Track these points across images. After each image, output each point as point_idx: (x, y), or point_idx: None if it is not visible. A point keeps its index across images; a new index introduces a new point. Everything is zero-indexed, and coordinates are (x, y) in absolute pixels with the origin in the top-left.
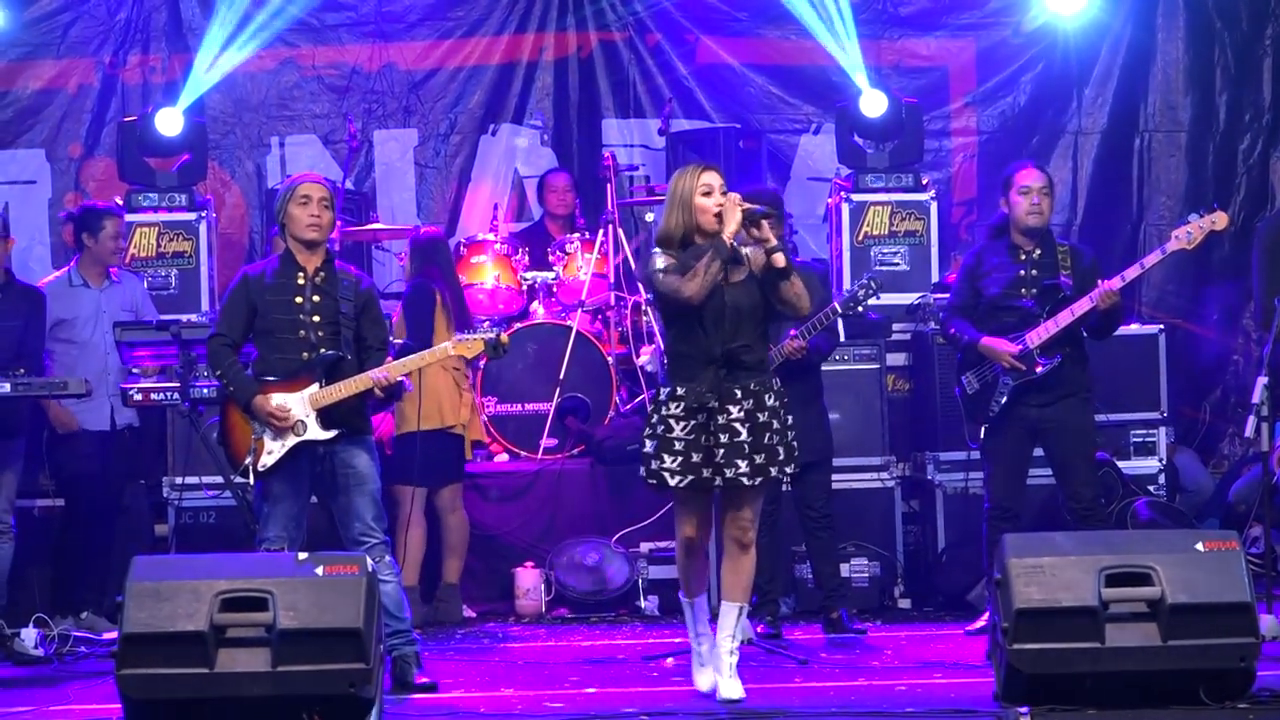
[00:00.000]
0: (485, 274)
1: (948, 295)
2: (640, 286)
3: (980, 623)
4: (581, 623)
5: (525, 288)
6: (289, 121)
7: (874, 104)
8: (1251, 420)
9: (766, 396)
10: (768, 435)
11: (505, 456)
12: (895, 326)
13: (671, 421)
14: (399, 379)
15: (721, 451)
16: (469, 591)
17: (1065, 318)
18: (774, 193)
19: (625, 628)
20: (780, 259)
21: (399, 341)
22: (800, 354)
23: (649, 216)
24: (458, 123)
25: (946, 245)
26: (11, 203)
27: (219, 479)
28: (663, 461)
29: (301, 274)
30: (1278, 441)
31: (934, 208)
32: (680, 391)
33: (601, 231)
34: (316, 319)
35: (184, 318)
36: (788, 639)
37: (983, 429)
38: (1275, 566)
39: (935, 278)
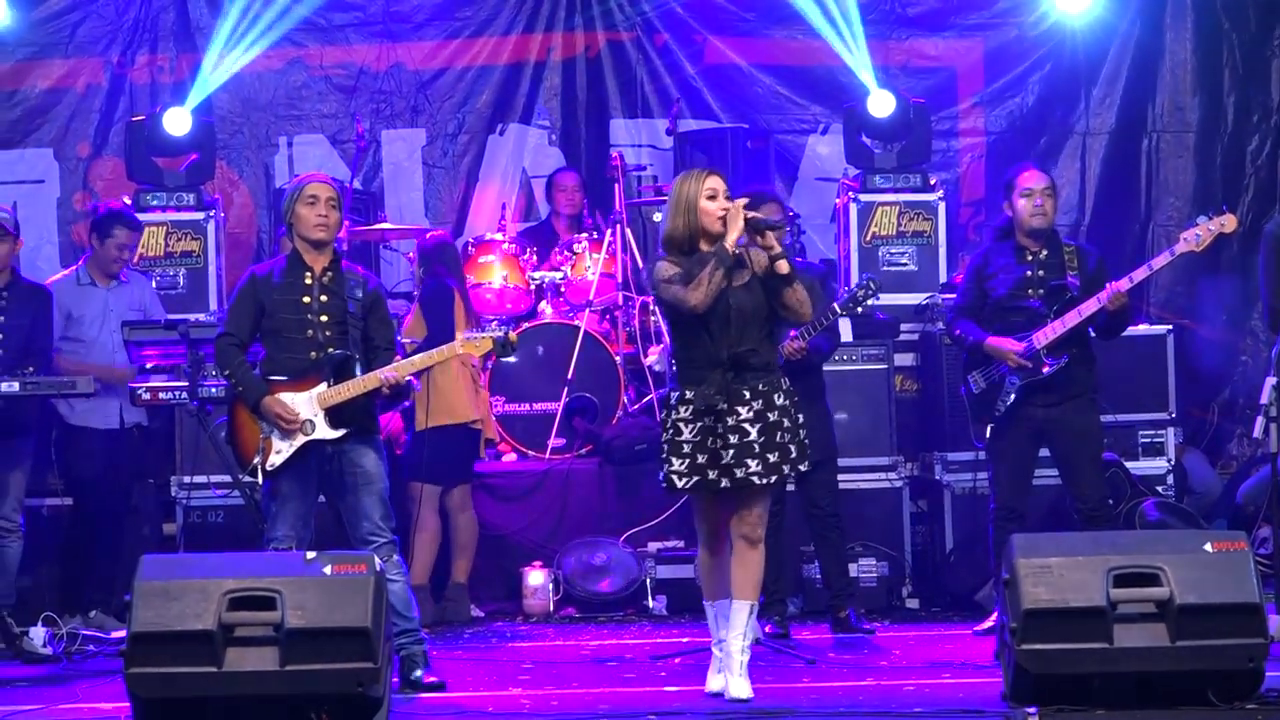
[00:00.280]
0: (493, 274)
1: (955, 296)
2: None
3: (988, 623)
4: (589, 622)
5: (533, 287)
6: (297, 121)
7: (882, 104)
8: (1260, 421)
9: (776, 396)
10: (779, 434)
11: (513, 456)
12: (903, 327)
13: (680, 425)
14: (407, 378)
15: (730, 453)
16: (477, 591)
17: (1072, 318)
18: (773, 195)
19: (633, 627)
20: (784, 266)
21: (409, 341)
22: (801, 355)
23: (656, 216)
24: (465, 122)
25: (954, 245)
26: (20, 202)
27: (227, 478)
28: (671, 464)
29: (309, 274)
30: None
31: (942, 208)
32: (689, 395)
33: (609, 231)
34: (324, 319)
35: (192, 317)
36: (795, 639)
37: (988, 429)
38: None
39: (943, 278)
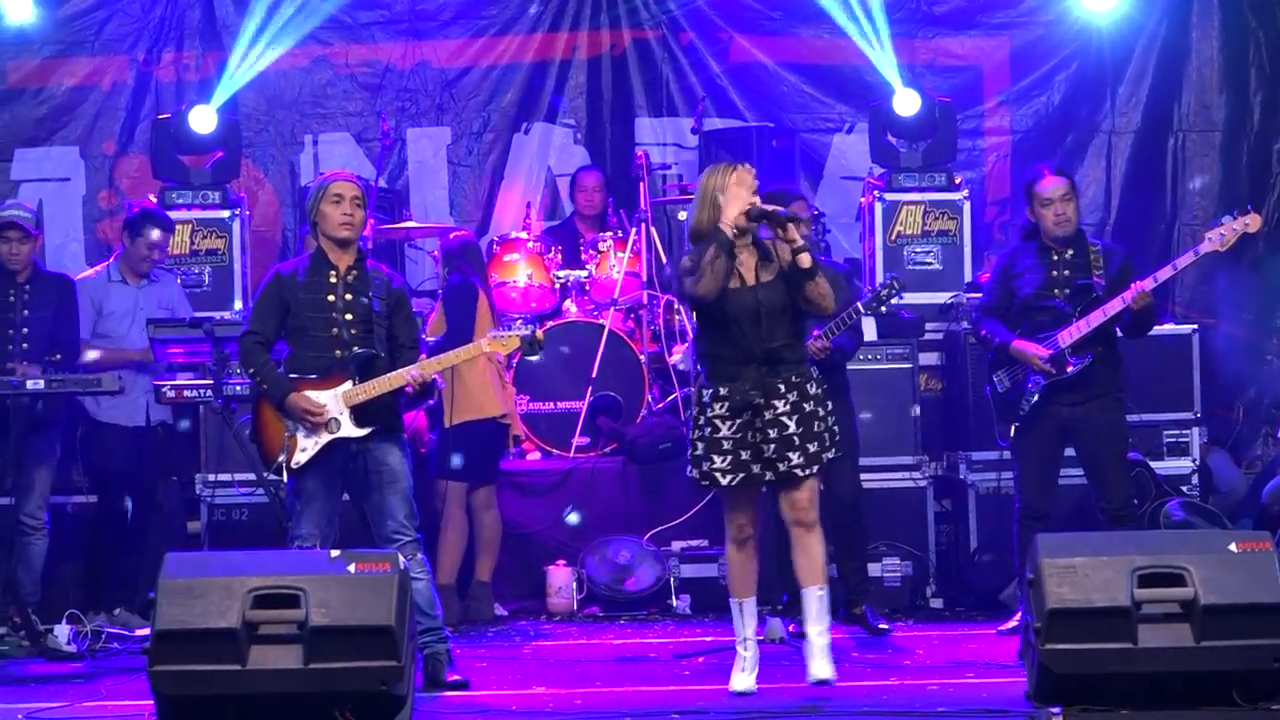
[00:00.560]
0: (518, 272)
1: (980, 295)
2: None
3: (1012, 623)
4: (613, 621)
5: (558, 286)
6: (322, 119)
7: (907, 103)
8: None
9: (809, 386)
10: (815, 423)
11: (538, 455)
12: (928, 326)
13: (718, 422)
14: (432, 377)
15: (772, 447)
16: (501, 590)
17: (1097, 318)
18: (798, 194)
19: (657, 626)
20: (805, 259)
21: (433, 339)
22: (824, 354)
23: (682, 215)
24: (491, 121)
25: (979, 245)
26: (45, 199)
27: (251, 476)
28: (713, 462)
29: (334, 272)
30: None
31: (967, 207)
32: (724, 391)
33: (634, 230)
34: (349, 317)
35: (217, 315)
36: None
37: (1013, 429)
38: None
39: (968, 277)
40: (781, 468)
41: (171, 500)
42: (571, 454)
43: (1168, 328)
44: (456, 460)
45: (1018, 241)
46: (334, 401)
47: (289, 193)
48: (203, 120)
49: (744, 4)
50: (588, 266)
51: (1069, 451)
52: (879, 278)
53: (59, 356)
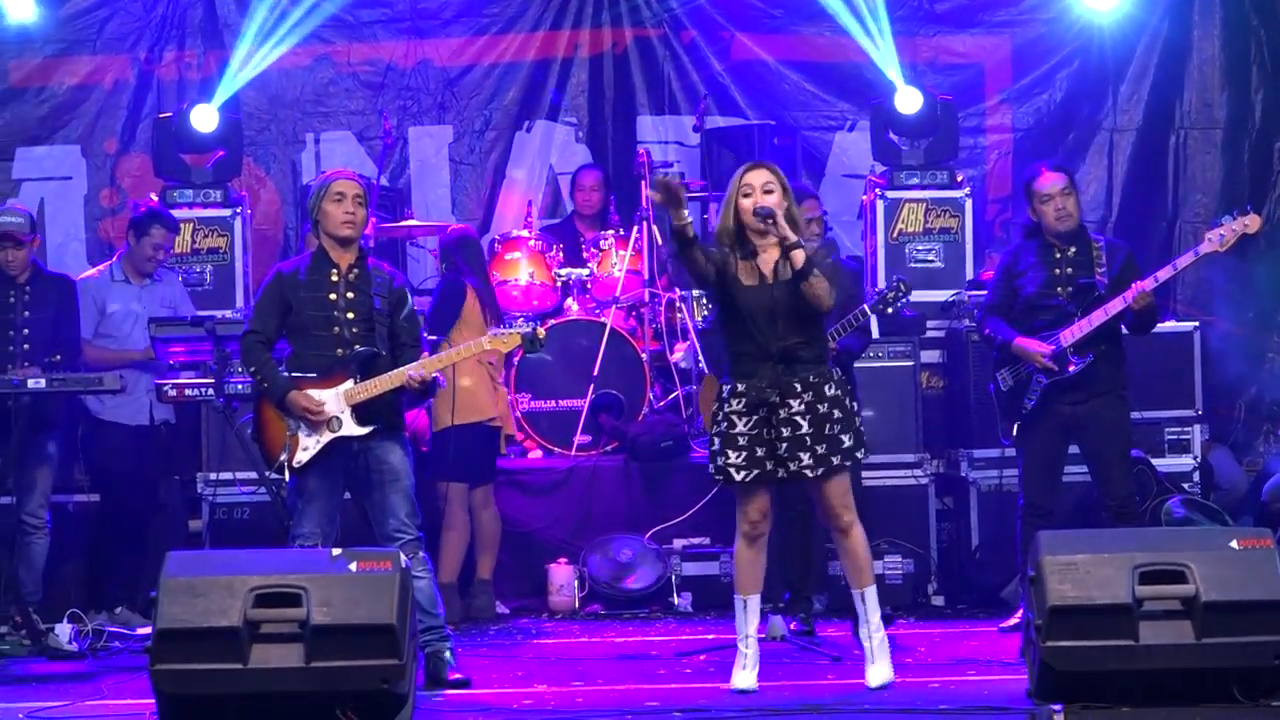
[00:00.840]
0: (520, 270)
1: (984, 293)
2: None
3: (1014, 620)
4: (614, 619)
5: (559, 284)
6: (324, 118)
7: (909, 101)
8: None
9: (827, 387)
10: (829, 425)
11: (539, 453)
12: (930, 323)
13: (734, 418)
14: (434, 375)
15: (784, 445)
16: (502, 588)
17: (1099, 317)
18: (810, 193)
19: (658, 624)
20: (797, 258)
21: (433, 337)
22: (832, 355)
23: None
24: (493, 119)
25: (981, 242)
26: (47, 198)
27: (253, 475)
28: (727, 457)
29: (335, 271)
30: None
31: (969, 205)
32: (741, 388)
33: (636, 228)
34: (350, 315)
35: (219, 314)
36: (820, 636)
37: (1016, 427)
38: None
39: (970, 275)
40: (792, 467)
41: (173, 499)
42: (573, 452)
43: (1169, 325)
44: (453, 461)
45: (1020, 240)
46: (335, 400)
47: (291, 191)
48: (204, 119)
49: (746, 2)
50: (589, 265)
51: (1072, 449)
52: (880, 276)
53: (59, 357)
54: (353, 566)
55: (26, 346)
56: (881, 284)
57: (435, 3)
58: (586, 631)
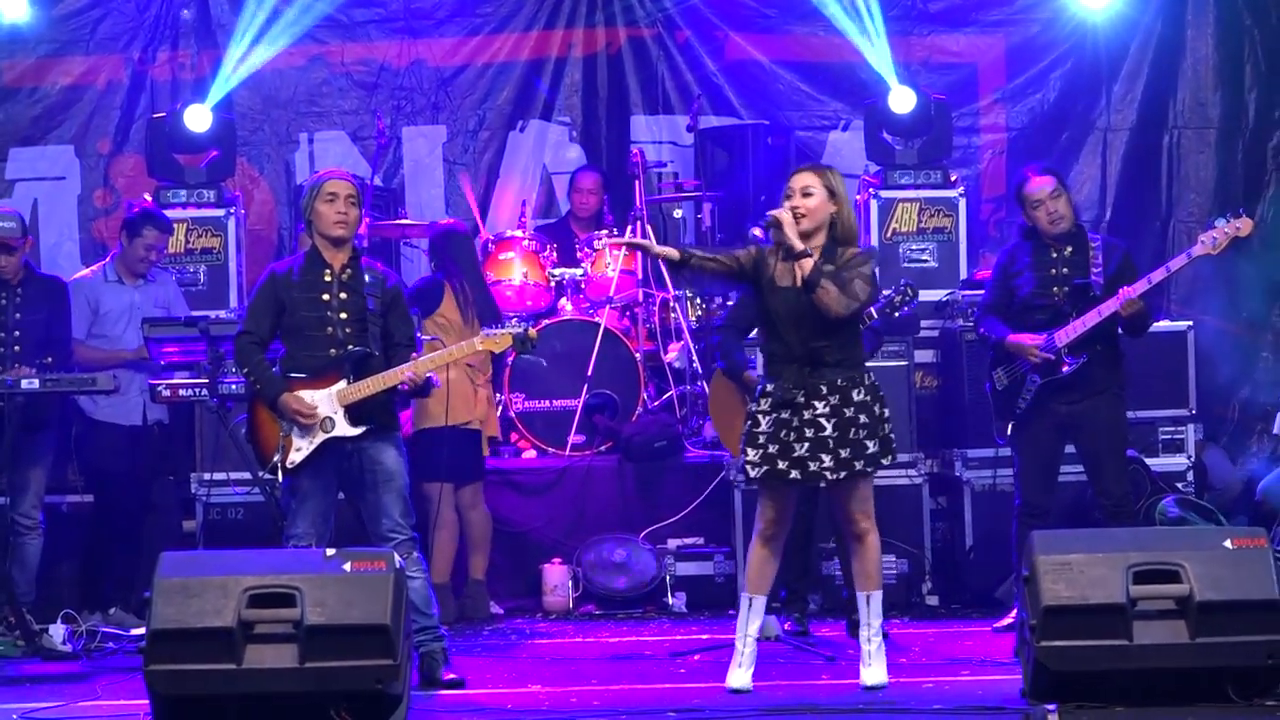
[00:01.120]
0: (513, 271)
1: (978, 292)
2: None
3: (1008, 620)
4: (609, 619)
5: (553, 284)
6: (318, 118)
7: (903, 100)
8: None
9: (855, 392)
10: (853, 430)
11: (533, 453)
12: (923, 323)
13: (759, 416)
14: (426, 374)
15: (805, 446)
16: (496, 588)
17: (1092, 318)
18: None
19: (652, 624)
20: (804, 266)
21: (427, 338)
22: None
23: (677, 213)
24: (486, 119)
25: (975, 242)
26: (40, 199)
27: (247, 475)
28: (746, 454)
29: (328, 271)
30: None
31: (962, 204)
32: (769, 388)
33: (630, 228)
34: (344, 316)
35: (212, 314)
36: (815, 635)
37: (1010, 426)
38: None
39: (963, 274)
40: (811, 467)
41: (167, 499)
42: (567, 452)
43: (1164, 325)
44: (434, 463)
45: (1018, 239)
46: (328, 401)
47: (284, 191)
48: (198, 119)
49: (739, 2)
50: (583, 265)
51: (1068, 449)
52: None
53: (50, 359)
54: (347, 567)
55: (18, 348)
56: (885, 292)
57: (429, 3)
58: (580, 631)
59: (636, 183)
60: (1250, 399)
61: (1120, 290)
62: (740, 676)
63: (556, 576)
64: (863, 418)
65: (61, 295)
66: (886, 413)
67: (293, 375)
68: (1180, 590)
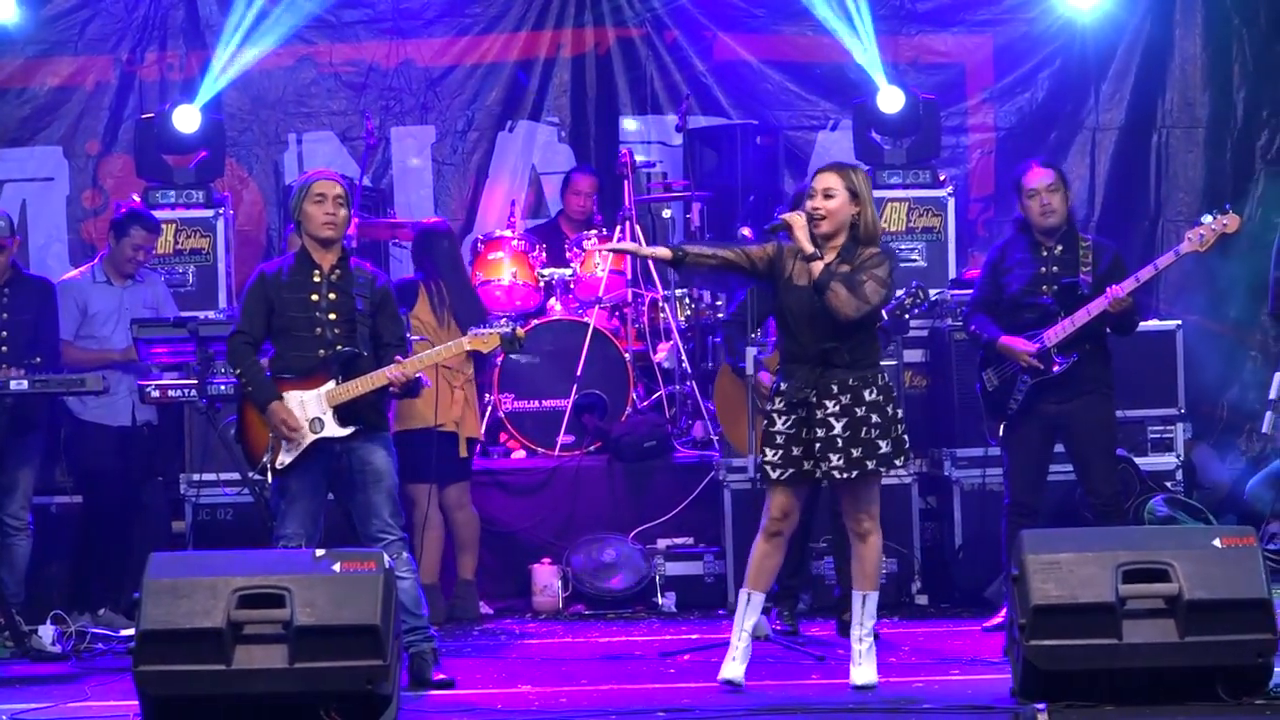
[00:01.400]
0: (502, 270)
1: (967, 292)
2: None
3: (997, 619)
4: (598, 619)
5: (542, 284)
6: (306, 118)
7: (891, 100)
8: (1269, 416)
9: (866, 391)
10: (865, 429)
11: (522, 453)
12: (912, 323)
13: (775, 416)
14: (416, 375)
15: (818, 445)
16: (485, 588)
17: (1081, 317)
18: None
19: (642, 624)
20: (814, 269)
21: (417, 338)
22: None
23: (666, 213)
24: (475, 119)
25: (964, 241)
26: (29, 200)
27: (236, 476)
28: (765, 455)
29: (317, 272)
30: None
31: (951, 204)
32: (784, 387)
33: (619, 228)
34: (333, 316)
35: (201, 315)
36: (805, 635)
37: (1001, 426)
38: None
39: (952, 274)
40: (824, 466)
41: (156, 500)
42: (556, 452)
43: (1152, 324)
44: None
45: (1010, 234)
46: (317, 401)
47: (273, 192)
48: (186, 120)
49: (728, 2)
50: (572, 265)
51: (1058, 448)
52: None
53: (38, 360)
54: (336, 567)
55: (5, 349)
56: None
57: (417, 3)
58: (570, 632)
59: (625, 183)
60: (1238, 398)
61: (1109, 289)
62: (733, 669)
63: (546, 577)
64: (875, 417)
65: (49, 296)
66: (900, 413)
67: (282, 375)
68: (1169, 589)
